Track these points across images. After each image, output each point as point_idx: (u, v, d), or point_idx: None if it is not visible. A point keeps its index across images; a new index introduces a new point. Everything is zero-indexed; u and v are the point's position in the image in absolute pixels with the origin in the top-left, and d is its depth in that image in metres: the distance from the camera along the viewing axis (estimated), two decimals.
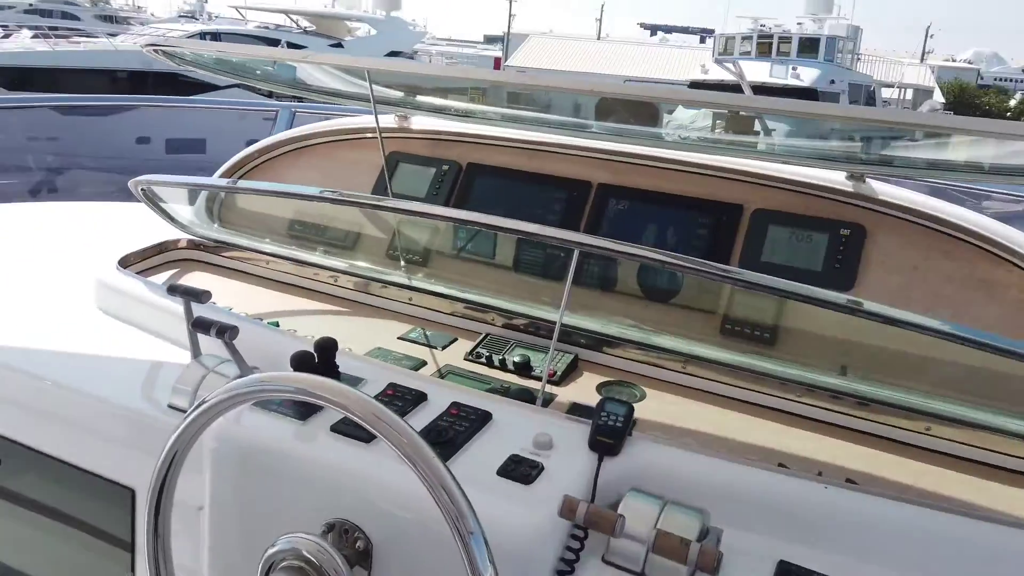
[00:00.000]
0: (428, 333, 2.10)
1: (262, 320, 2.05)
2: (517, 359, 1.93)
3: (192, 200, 2.42)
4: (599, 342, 1.99)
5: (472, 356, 1.97)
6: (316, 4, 37.44)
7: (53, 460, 1.73)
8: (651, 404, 1.81)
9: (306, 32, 33.71)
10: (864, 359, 1.74)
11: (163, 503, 1.20)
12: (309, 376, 1.09)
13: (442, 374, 1.88)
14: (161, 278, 2.27)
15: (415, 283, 2.23)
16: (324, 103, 2.80)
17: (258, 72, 2.44)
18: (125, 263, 2.18)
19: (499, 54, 51.50)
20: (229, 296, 2.22)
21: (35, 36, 22.40)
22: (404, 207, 1.92)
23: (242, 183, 2.28)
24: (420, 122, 2.50)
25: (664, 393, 1.86)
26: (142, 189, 2.18)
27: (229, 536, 1.41)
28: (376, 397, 1.48)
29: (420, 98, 2.41)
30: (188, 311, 1.64)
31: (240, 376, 1.61)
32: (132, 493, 1.64)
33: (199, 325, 1.57)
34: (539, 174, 2.29)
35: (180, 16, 37.74)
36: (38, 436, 1.76)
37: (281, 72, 2.47)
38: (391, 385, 1.53)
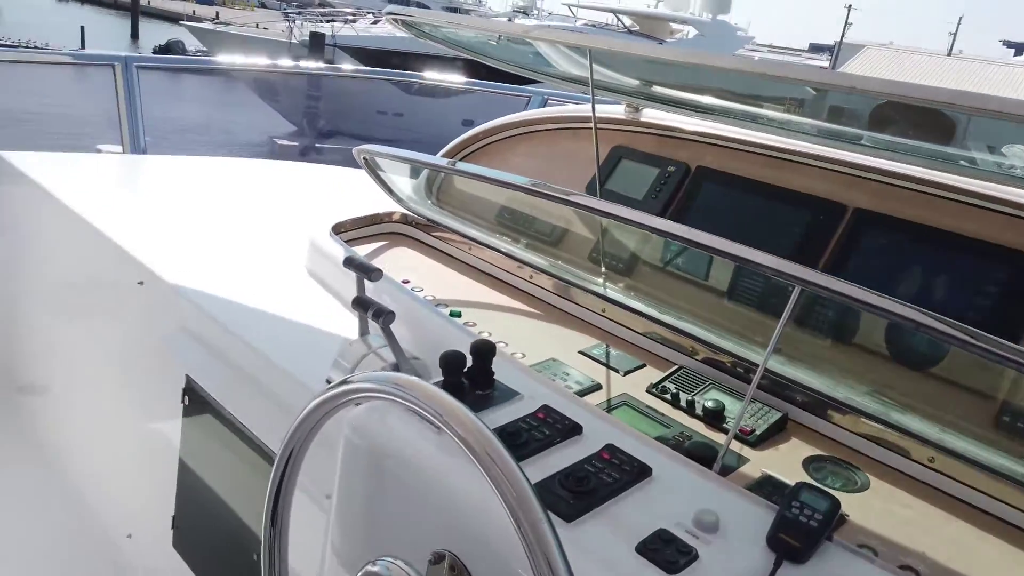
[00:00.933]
0: (613, 352, 1.85)
1: (447, 307, 1.95)
2: (709, 404, 1.60)
3: (414, 175, 2.40)
4: (820, 404, 1.58)
5: (656, 389, 1.68)
6: (642, 5, 37.88)
7: (223, 412, 1.78)
8: (873, 500, 1.39)
9: (630, 31, 34.26)
10: None
11: (282, 494, 1.14)
12: (422, 384, 0.95)
13: (612, 405, 1.62)
14: (366, 248, 2.27)
15: (611, 294, 1.97)
16: (569, 90, 2.63)
17: (480, 45, 2.32)
18: (338, 229, 2.21)
19: (825, 64, 47.83)
20: (427, 276, 2.17)
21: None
22: (602, 208, 1.68)
23: (460, 165, 2.20)
24: (651, 115, 2.22)
25: (895, 488, 1.43)
26: (364, 158, 2.19)
27: (348, 534, 1.32)
28: (523, 418, 1.29)
29: (649, 87, 2.13)
30: (360, 286, 1.58)
31: (395, 364, 1.52)
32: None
33: (360, 304, 1.51)
34: (781, 188, 1.90)
35: (514, 11, 40.41)
36: (218, 387, 1.83)
37: (507, 48, 2.33)
38: (544, 408, 1.33)
